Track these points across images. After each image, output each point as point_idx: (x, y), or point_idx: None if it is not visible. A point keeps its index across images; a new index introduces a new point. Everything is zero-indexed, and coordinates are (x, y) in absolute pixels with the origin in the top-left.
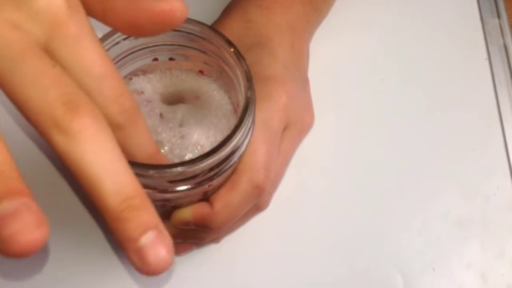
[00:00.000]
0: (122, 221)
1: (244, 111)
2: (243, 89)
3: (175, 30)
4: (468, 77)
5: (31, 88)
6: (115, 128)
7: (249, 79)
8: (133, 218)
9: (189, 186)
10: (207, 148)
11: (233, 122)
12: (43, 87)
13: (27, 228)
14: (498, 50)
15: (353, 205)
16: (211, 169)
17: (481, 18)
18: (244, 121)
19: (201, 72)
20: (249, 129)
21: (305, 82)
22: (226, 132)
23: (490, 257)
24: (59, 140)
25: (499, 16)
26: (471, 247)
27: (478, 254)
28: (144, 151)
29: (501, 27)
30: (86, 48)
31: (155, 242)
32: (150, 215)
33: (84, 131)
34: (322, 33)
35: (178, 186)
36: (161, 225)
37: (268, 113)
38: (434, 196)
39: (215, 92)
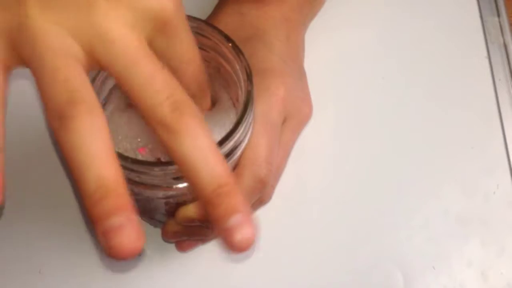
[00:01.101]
0: (213, 205)
1: (245, 106)
2: (243, 84)
3: None
4: (468, 75)
5: (143, 91)
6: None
7: (249, 74)
8: (222, 204)
9: None
10: None
11: (232, 116)
12: (153, 91)
13: (129, 240)
14: (498, 49)
15: (353, 204)
16: None
17: (481, 16)
18: (245, 116)
19: None
20: (250, 123)
21: (301, 73)
22: (227, 127)
23: (490, 255)
24: (165, 137)
25: (498, 14)
26: (471, 245)
27: (478, 252)
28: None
29: (500, 25)
30: (182, 40)
31: (240, 223)
32: (237, 200)
33: (186, 130)
34: (323, 27)
35: (182, 183)
36: (246, 209)
37: (267, 106)
38: (434, 194)
39: (213, 88)
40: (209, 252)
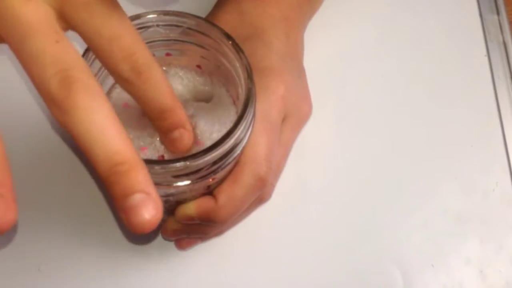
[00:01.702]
0: (111, 184)
1: (245, 104)
2: (243, 83)
3: (171, 25)
4: (467, 73)
5: (34, 65)
6: (126, 83)
7: (249, 72)
8: (119, 182)
9: (193, 180)
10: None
11: (233, 114)
12: (43, 65)
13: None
14: (497, 47)
15: (351, 201)
16: (215, 162)
17: (480, 15)
18: (246, 114)
19: (198, 66)
20: (251, 121)
21: (301, 72)
22: (228, 125)
23: (488, 253)
24: (56, 112)
25: (498, 13)
26: (470, 243)
27: (477, 250)
28: (156, 103)
29: (500, 24)
30: (97, 12)
31: (139, 205)
32: (136, 180)
33: (76, 107)
34: (322, 25)
35: (182, 181)
36: (149, 189)
37: (267, 104)
38: (433, 192)
39: (213, 86)
40: (208, 250)
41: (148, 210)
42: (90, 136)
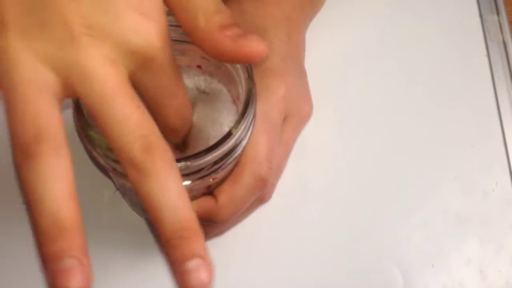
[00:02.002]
0: (173, 247)
1: (246, 105)
2: (243, 83)
3: (171, 25)
4: (467, 73)
5: (117, 128)
6: (173, 132)
7: (250, 73)
8: (181, 246)
9: (193, 180)
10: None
11: (233, 114)
12: (127, 130)
13: (76, 283)
14: (497, 47)
15: (352, 201)
16: (215, 162)
17: (480, 15)
18: (246, 114)
19: (199, 67)
20: (251, 122)
21: (302, 72)
22: (227, 124)
23: (489, 253)
24: (133, 173)
25: (498, 13)
26: (470, 243)
27: (477, 250)
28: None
29: (500, 24)
30: (166, 75)
31: (196, 269)
32: (197, 246)
33: (155, 172)
34: (323, 25)
35: (183, 181)
36: (206, 255)
37: (268, 105)
38: (433, 192)
39: (213, 86)
40: (208, 251)
41: (202, 274)
42: (163, 200)
